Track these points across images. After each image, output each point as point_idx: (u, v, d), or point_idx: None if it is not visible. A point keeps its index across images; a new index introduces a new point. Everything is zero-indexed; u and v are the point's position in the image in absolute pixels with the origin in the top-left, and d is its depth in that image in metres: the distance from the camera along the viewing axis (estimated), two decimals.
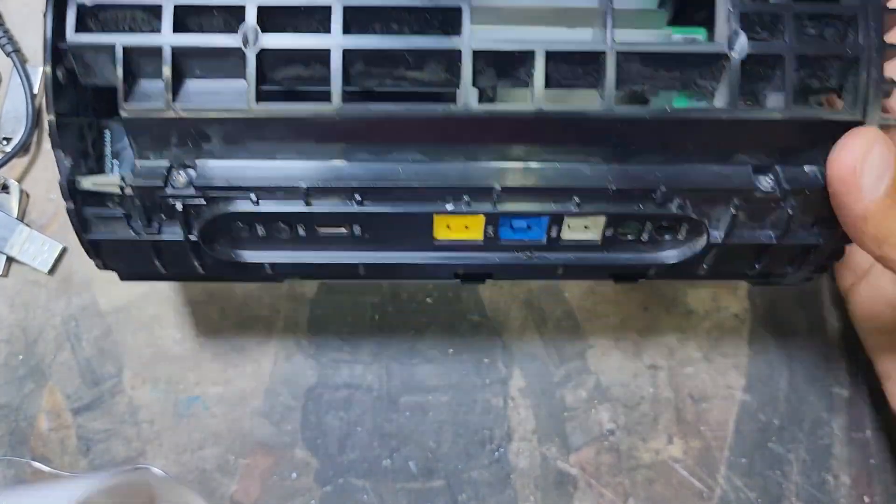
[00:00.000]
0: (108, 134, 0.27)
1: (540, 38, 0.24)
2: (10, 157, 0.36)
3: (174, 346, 0.37)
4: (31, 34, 0.38)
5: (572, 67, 0.25)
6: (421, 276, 0.30)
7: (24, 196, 0.37)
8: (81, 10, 0.24)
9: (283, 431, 0.36)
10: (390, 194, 0.26)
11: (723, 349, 0.38)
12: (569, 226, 0.27)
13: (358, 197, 0.26)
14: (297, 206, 0.26)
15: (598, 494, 0.36)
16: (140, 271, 0.29)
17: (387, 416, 0.37)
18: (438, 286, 0.37)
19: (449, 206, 0.26)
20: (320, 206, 0.26)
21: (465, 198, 0.26)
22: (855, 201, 0.25)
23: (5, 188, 0.37)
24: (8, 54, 0.37)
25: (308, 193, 0.25)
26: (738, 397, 0.37)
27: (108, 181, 0.25)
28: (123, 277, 0.29)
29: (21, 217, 0.37)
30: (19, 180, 0.37)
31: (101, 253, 0.27)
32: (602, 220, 0.27)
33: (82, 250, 0.29)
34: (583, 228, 0.27)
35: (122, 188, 0.25)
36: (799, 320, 0.38)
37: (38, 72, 0.37)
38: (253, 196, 0.25)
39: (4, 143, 0.37)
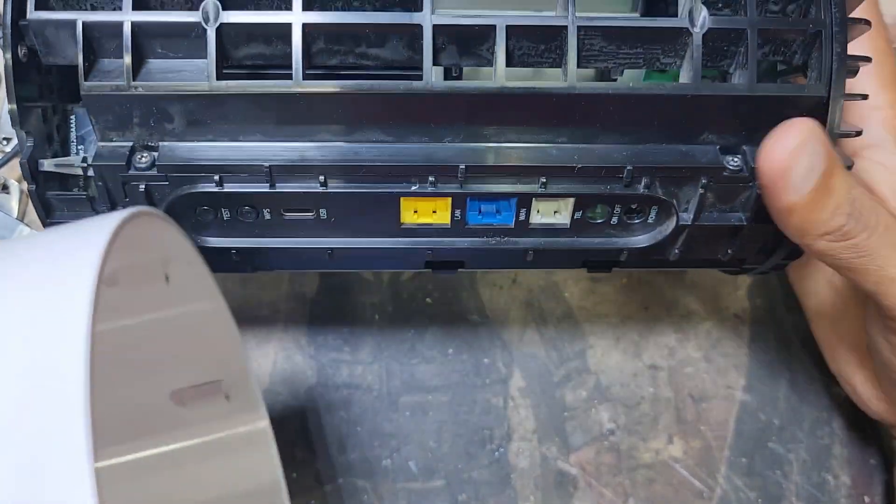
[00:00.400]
0: (73, 120, 0.27)
1: (501, 14, 0.24)
2: (10, 158, 0.36)
3: None
4: None
5: (534, 44, 0.24)
6: (390, 264, 0.30)
7: (24, 196, 0.37)
8: None
9: (283, 431, 0.36)
10: (354, 175, 0.25)
11: (723, 349, 0.38)
12: (538, 210, 0.27)
13: (321, 178, 0.25)
14: (261, 188, 0.26)
15: (598, 494, 0.36)
16: None
17: (387, 416, 0.37)
18: (438, 286, 0.37)
19: (414, 188, 0.26)
20: (284, 187, 0.26)
21: (431, 178, 0.25)
22: (783, 196, 0.25)
23: (5, 188, 0.37)
24: None
25: (271, 174, 0.25)
26: (738, 397, 0.37)
27: (69, 161, 0.25)
28: None
29: (21, 217, 0.37)
30: (19, 180, 0.37)
31: None
32: (571, 202, 0.27)
33: None
34: (552, 213, 0.27)
35: (83, 169, 0.25)
36: (799, 320, 0.38)
37: None
38: (216, 177, 0.25)
39: (4, 143, 0.37)
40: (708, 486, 0.36)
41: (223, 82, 0.24)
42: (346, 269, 0.33)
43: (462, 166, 0.25)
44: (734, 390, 0.37)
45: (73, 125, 0.27)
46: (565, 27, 0.24)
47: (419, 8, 0.24)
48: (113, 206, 0.26)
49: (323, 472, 0.36)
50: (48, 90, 0.26)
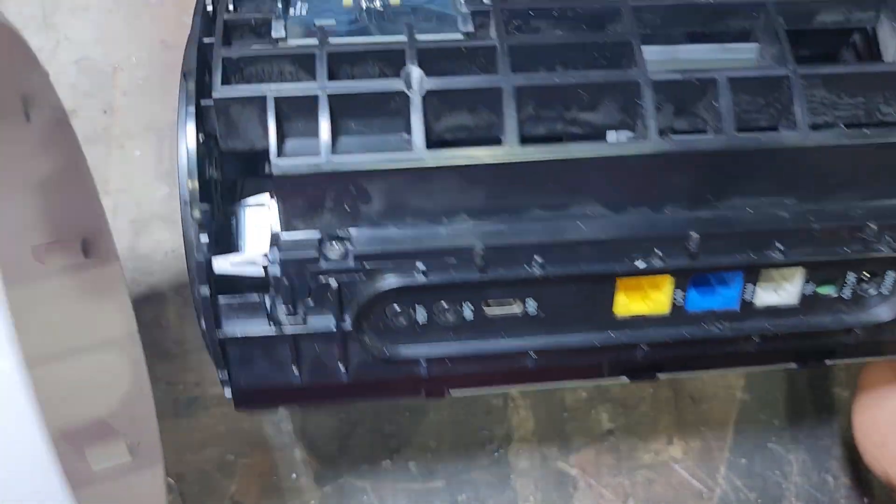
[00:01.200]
0: (233, 221, 0.24)
1: (710, 58, 0.23)
2: None
3: (173, 346, 0.37)
4: (31, 34, 0.38)
5: (753, 98, 0.23)
6: (590, 372, 0.26)
7: None
8: (227, 64, 0.22)
9: (283, 431, 0.36)
10: (573, 253, 0.23)
11: None
12: (764, 287, 0.24)
13: (539, 258, 0.22)
14: (471, 275, 0.22)
15: (598, 495, 0.36)
16: (267, 387, 0.24)
17: (387, 416, 0.37)
18: None
19: (639, 264, 0.23)
20: (496, 272, 0.22)
21: (657, 251, 0.23)
22: None
23: None
24: None
25: (484, 257, 0.22)
26: (738, 397, 0.37)
27: (249, 259, 0.22)
28: (241, 401, 0.25)
29: None
30: None
31: (230, 359, 0.23)
32: (799, 276, 0.24)
33: None
34: (776, 291, 0.24)
35: (265, 266, 0.22)
36: None
37: None
38: (420, 265, 0.22)
39: None
40: (708, 487, 0.36)
41: (433, 152, 0.21)
42: (538, 383, 0.29)
43: (694, 235, 0.22)
44: (734, 390, 0.37)
45: (233, 230, 0.24)
46: (787, 76, 0.22)
47: (631, 64, 0.22)
48: (294, 310, 0.22)
49: (323, 472, 0.36)
50: (213, 188, 0.23)
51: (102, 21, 0.38)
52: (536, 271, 0.22)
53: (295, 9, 0.24)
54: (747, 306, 0.24)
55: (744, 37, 0.25)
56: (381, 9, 0.25)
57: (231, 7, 0.24)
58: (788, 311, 0.25)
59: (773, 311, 0.24)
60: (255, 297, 0.22)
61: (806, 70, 0.22)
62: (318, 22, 0.24)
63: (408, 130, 0.22)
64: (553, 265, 0.22)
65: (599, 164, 0.22)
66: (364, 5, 0.25)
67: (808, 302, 0.24)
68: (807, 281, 0.24)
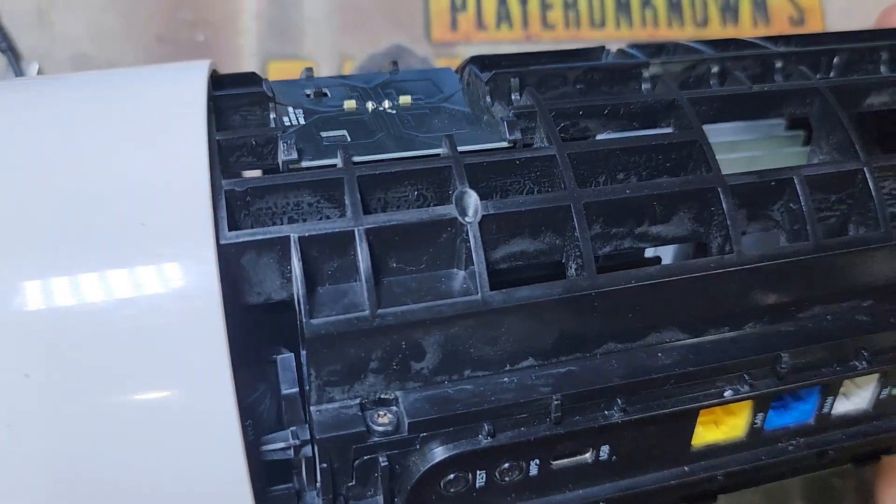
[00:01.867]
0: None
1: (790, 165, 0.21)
2: None
3: None
4: (27, 31, 0.38)
5: (826, 196, 0.21)
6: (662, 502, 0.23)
7: None
8: (231, 199, 0.18)
9: None
10: (657, 390, 0.20)
11: None
12: (838, 397, 0.23)
13: (620, 401, 0.19)
14: (545, 430, 0.19)
15: None
16: None
17: None
18: None
19: (727, 393, 0.20)
20: (573, 423, 0.19)
21: (746, 377, 0.20)
22: None
23: None
24: (4, 52, 0.37)
25: (561, 409, 0.19)
26: None
27: (277, 445, 0.18)
28: None
29: None
30: None
31: None
32: (875, 380, 0.22)
33: None
34: (849, 398, 0.23)
35: (295, 448, 0.18)
36: None
37: (34, 69, 0.37)
38: (487, 426, 0.18)
39: None
40: None
41: (502, 293, 0.18)
42: None
43: (785, 356, 0.20)
44: None
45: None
46: (862, 170, 0.21)
47: (705, 167, 0.20)
48: (333, 499, 0.19)
49: None
50: None
51: (98, 18, 0.38)
52: (617, 416, 0.19)
53: (289, 118, 0.21)
54: (823, 417, 0.22)
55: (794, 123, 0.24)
56: (393, 111, 0.22)
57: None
58: (861, 417, 0.23)
59: (846, 419, 0.23)
60: (283, 488, 0.19)
61: (881, 162, 0.21)
62: (326, 134, 0.20)
63: (459, 265, 0.19)
64: (635, 407, 0.19)
65: (685, 285, 0.19)
66: (371, 107, 0.22)
67: (882, 405, 0.23)
68: (882, 385, 0.22)
